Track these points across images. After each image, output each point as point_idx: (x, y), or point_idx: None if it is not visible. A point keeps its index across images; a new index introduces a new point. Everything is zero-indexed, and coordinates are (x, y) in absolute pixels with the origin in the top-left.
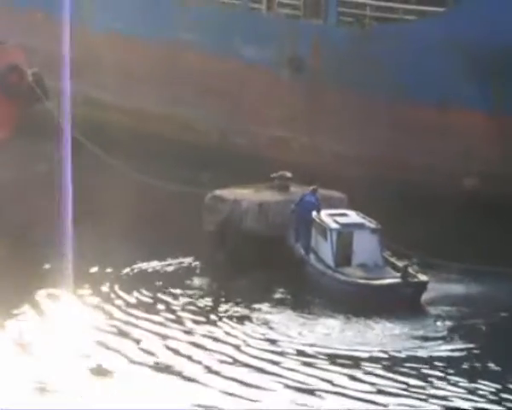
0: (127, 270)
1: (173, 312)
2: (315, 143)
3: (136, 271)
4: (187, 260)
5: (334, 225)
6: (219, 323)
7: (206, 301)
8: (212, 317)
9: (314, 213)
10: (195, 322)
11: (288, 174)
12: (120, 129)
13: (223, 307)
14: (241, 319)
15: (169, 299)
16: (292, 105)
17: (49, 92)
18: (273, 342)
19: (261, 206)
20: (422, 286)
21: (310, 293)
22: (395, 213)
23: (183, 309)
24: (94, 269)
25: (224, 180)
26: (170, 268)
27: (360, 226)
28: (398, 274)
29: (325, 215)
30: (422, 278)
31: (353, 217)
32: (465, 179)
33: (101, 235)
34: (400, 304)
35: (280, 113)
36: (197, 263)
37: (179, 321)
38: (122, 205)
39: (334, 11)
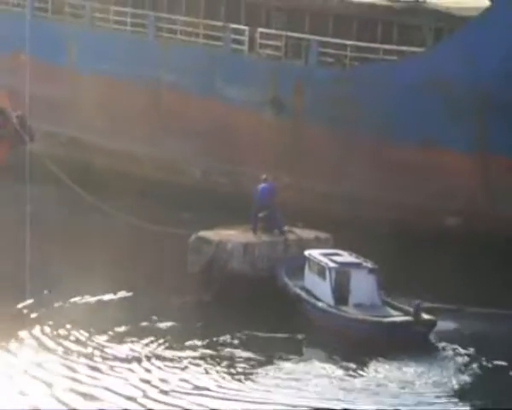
0: (104, 309)
1: (137, 358)
2: (298, 183)
3: (113, 312)
4: (171, 302)
5: (332, 264)
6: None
7: (186, 343)
8: (181, 361)
9: (307, 252)
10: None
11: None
12: (104, 170)
13: (199, 351)
14: (225, 364)
15: (142, 340)
16: (274, 145)
17: (34, 134)
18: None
19: (246, 247)
20: (433, 324)
21: (307, 332)
22: (379, 252)
23: (150, 353)
24: (69, 307)
25: (207, 221)
26: (152, 309)
27: (357, 266)
28: (399, 313)
29: (319, 254)
30: (430, 316)
31: (348, 257)
32: (448, 218)
33: (80, 274)
34: (412, 342)
35: (263, 153)
36: (181, 304)
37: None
38: (105, 245)
39: (314, 52)
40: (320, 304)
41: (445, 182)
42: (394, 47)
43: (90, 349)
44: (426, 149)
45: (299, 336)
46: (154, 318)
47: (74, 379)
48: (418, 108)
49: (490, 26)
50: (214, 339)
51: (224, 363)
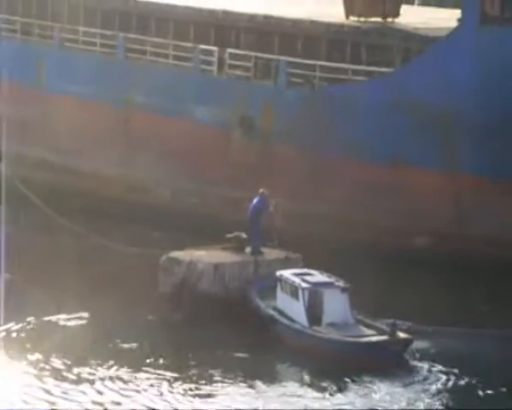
0: (72, 329)
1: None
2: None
3: (81, 332)
4: (140, 322)
5: (305, 285)
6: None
7: (153, 364)
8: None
9: (279, 273)
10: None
11: (243, 235)
12: (75, 191)
13: (166, 372)
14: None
15: (107, 361)
16: (244, 165)
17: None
18: None
19: (217, 267)
20: (409, 343)
21: (280, 353)
22: (349, 271)
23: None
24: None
25: (178, 241)
26: (121, 330)
27: (330, 285)
28: (373, 332)
29: (291, 275)
30: (406, 335)
31: (320, 276)
32: (416, 238)
33: (49, 295)
34: (387, 361)
35: (232, 173)
36: (151, 325)
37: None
38: (75, 266)
39: (284, 72)
40: (294, 325)
41: (415, 202)
42: (363, 68)
43: (52, 370)
44: (395, 168)
45: (272, 357)
46: (123, 338)
47: (32, 400)
48: (387, 127)
49: (458, 46)
50: (184, 360)
51: (192, 384)
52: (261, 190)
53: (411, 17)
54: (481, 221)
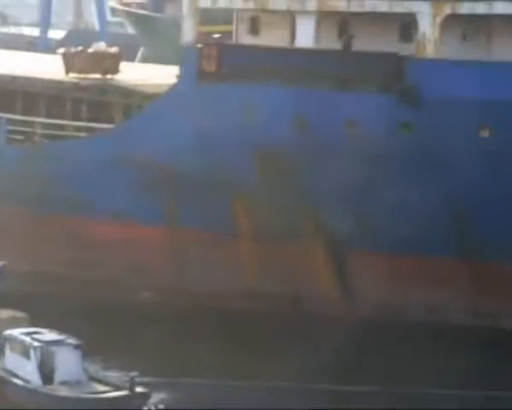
0: None
1: None
2: None
3: None
4: None
5: (36, 343)
6: None
7: None
8: None
9: (7, 333)
10: None
11: None
12: None
13: None
14: None
15: None
16: None
17: None
18: None
19: None
20: (148, 397)
21: None
22: (78, 328)
23: None
24: None
25: None
26: None
27: (62, 343)
28: (107, 388)
29: (20, 334)
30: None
31: (50, 334)
32: (140, 292)
33: None
34: None
35: None
36: None
37: None
38: None
39: (3, 129)
40: (26, 384)
41: (138, 256)
42: (84, 124)
43: None
44: (119, 224)
45: None
46: None
47: None
48: (110, 183)
49: (176, 102)
50: None
51: None
52: (1, 263)
53: (132, 74)
54: (201, 274)
